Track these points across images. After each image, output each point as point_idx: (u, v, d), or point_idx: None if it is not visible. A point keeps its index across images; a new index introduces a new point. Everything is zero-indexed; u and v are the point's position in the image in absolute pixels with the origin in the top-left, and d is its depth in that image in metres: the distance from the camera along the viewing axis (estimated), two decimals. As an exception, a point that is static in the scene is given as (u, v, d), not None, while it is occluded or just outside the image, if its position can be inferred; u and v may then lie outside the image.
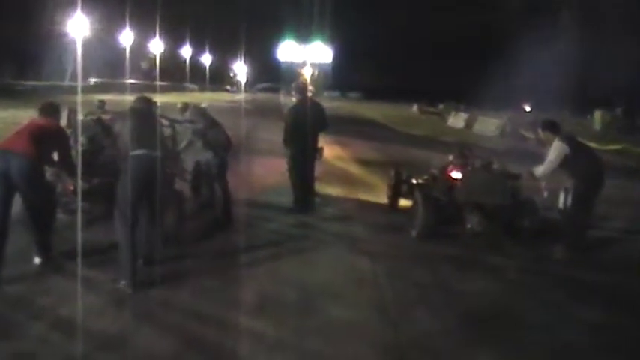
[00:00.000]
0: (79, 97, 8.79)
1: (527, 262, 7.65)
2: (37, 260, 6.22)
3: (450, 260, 7.56)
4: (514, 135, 28.93)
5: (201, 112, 8.96)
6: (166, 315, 5.34)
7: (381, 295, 6.26)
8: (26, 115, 6.62)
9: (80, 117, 8.33)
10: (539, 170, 8.11)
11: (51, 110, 6.56)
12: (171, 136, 8.22)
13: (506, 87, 42.61)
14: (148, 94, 7.28)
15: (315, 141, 9.61)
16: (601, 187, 7.87)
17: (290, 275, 6.64)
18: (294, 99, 9.88)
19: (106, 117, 8.62)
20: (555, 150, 7.87)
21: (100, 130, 7.93)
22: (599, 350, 5.30)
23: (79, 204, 6.92)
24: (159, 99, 9.49)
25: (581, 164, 7.77)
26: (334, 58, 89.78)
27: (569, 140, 8.01)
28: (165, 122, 8.12)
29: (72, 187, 7.20)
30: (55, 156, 6.50)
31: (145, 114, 6.56)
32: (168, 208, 7.04)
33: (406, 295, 6.28)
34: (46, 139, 6.20)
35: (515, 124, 31.27)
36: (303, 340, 5.03)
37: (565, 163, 7.85)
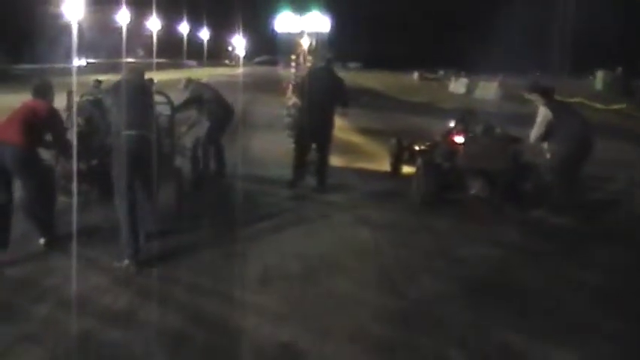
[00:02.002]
0: (74, 78, 8.75)
1: (529, 227, 7.64)
2: (42, 241, 6.22)
3: (452, 226, 7.57)
4: (515, 98, 28.72)
5: (204, 85, 9.75)
6: (170, 291, 5.34)
7: (385, 263, 6.28)
8: (24, 99, 6.56)
9: (76, 98, 8.26)
10: (531, 135, 8.18)
11: (44, 90, 6.50)
12: (170, 115, 8.17)
13: (507, 51, 42.22)
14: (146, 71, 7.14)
15: (330, 111, 9.22)
16: (587, 152, 7.89)
17: (292, 247, 6.63)
18: (293, 70, 9.80)
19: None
20: (539, 115, 8.05)
21: (97, 110, 7.87)
22: (601, 312, 5.31)
23: (74, 185, 6.86)
24: (157, 77, 9.48)
25: (564, 129, 7.84)
26: (332, 28, 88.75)
27: (555, 106, 8.09)
28: (162, 99, 8.06)
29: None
30: (50, 137, 6.46)
31: (137, 88, 6.32)
32: (168, 186, 7.05)
33: (409, 263, 6.28)
34: (39, 121, 6.19)
35: (514, 88, 31.05)
36: (307, 312, 5.04)
37: (550, 128, 7.95)
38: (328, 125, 9.24)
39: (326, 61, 9.55)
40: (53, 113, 6.42)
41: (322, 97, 8.96)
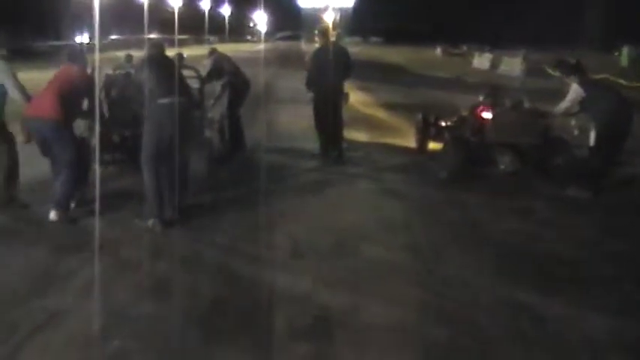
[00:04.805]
0: (97, 54, 8.93)
1: (559, 201, 7.58)
2: (52, 215, 6.24)
3: (481, 201, 7.53)
4: (539, 73, 28.35)
5: (226, 58, 9.67)
6: (202, 261, 5.46)
7: (414, 236, 6.28)
8: (51, 76, 6.66)
9: (109, 72, 8.41)
10: (556, 107, 8.10)
11: (76, 55, 6.73)
12: (199, 89, 8.28)
13: (531, 25, 41.63)
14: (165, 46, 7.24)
15: (340, 86, 9.42)
16: (624, 129, 7.71)
17: (321, 220, 6.67)
18: (317, 45, 9.77)
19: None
20: (572, 92, 7.87)
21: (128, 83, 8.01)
22: (633, 284, 5.28)
23: (97, 157, 6.98)
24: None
25: (599, 107, 7.69)
26: (356, 2, 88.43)
27: (587, 83, 7.95)
28: (192, 73, 8.19)
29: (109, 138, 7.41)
30: (85, 104, 6.65)
31: (163, 60, 6.57)
32: (197, 157, 7.14)
33: (438, 236, 6.28)
34: (74, 86, 6.37)
35: (537, 62, 30.63)
36: (339, 281, 5.08)
37: (584, 106, 7.82)
38: (339, 97, 9.42)
39: (328, 37, 9.61)
40: (88, 77, 6.63)
41: (333, 70, 9.11)
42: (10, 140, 6.58)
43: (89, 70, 6.81)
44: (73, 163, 6.29)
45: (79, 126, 6.86)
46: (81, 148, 6.55)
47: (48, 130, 6.19)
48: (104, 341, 4.06)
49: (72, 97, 6.33)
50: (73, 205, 6.49)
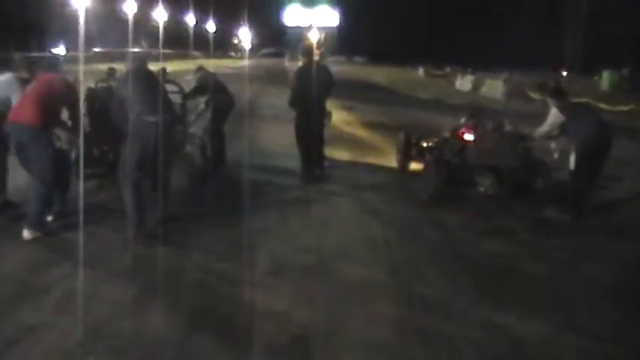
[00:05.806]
0: (82, 67, 8.95)
1: (538, 223, 7.63)
2: (25, 234, 6.13)
3: (461, 222, 7.57)
4: (521, 95, 28.67)
5: (212, 75, 9.71)
6: (182, 277, 5.41)
7: (394, 256, 6.29)
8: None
9: (91, 85, 8.38)
10: (537, 131, 8.22)
11: (54, 64, 6.77)
12: (181, 104, 8.28)
13: (514, 48, 42.07)
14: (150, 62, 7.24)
15: (323, 105, 9.43)
16: (604, 153, 7.79)
17: (302, 238, 6.67)
18: (300, 63, 9.80)
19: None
20: (552, 116, 7.99)
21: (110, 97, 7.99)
22: (609, 306, 5.34)
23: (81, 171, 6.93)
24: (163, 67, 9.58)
25: (580, 130, 7.75)
26: (340, 22, 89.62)
27: (569, 107, 8.03)
28: (174, 88, 8.20)
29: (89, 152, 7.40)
30: (64, 114, 6.61)
31: (146, 75, 6.54)
32: (178, 172, 7.13)
33: (418, 256, 6.28)
34: (54, 93, 6.33)
35: (519, 85, 31.00)
36: (319, 300, 5.08)
37: (564, 129, 7.91)
38: (322, 115, 9.45)
39: (311, 56, 9.62)
40: (68, 85, 6.56)
41: (316, 89, 9.10)
42: (3, 148, 6.63)
43: (70, 80, 6.75)
44: (48, 175, 6.21)
45: (59, 137, 6.81)
46: (60, 160, 6.49)
47: (27, 136, 6.12)
48: (81, 357, 4.02)
49: (51, 105, 6.26)
50: (50, 218, 6.44)
